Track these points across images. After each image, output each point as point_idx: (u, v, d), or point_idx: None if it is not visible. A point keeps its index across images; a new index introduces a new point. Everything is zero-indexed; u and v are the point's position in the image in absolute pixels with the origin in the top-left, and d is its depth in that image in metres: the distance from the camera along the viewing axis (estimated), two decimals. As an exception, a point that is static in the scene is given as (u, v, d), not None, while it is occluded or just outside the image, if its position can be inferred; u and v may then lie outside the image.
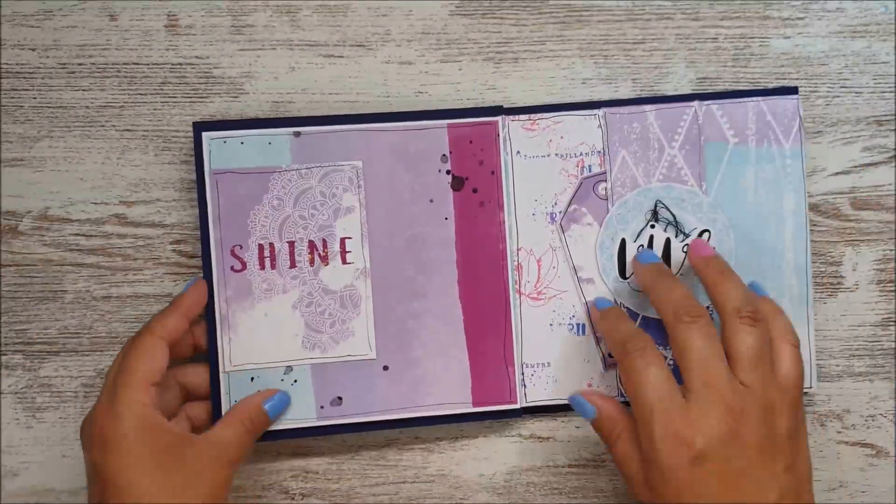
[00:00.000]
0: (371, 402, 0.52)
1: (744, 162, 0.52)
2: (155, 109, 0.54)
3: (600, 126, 0.53)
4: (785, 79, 0.54)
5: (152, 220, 0.54)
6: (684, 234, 0.52)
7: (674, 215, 0.52)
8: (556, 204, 0.53)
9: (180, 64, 0.54)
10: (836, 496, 0.55)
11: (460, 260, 0.53)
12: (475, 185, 0.53)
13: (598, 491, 0.55)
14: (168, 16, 0.54)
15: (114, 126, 0.54)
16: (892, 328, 0.55)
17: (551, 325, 0.53)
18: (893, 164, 0.54)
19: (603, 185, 0.53)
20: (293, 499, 0.55)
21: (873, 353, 0.55)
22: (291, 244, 0.52)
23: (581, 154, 0.53)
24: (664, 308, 0.46)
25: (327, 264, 0.52)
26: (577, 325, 0.53)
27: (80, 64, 0.54)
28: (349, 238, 0.52)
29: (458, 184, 0.53)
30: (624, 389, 0.51)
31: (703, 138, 0.52)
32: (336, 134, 0.52)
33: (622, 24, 0.54)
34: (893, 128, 0.54)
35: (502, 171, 0.53)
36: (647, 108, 0.52)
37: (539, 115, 0.53)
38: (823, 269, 0.55)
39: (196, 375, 0.52)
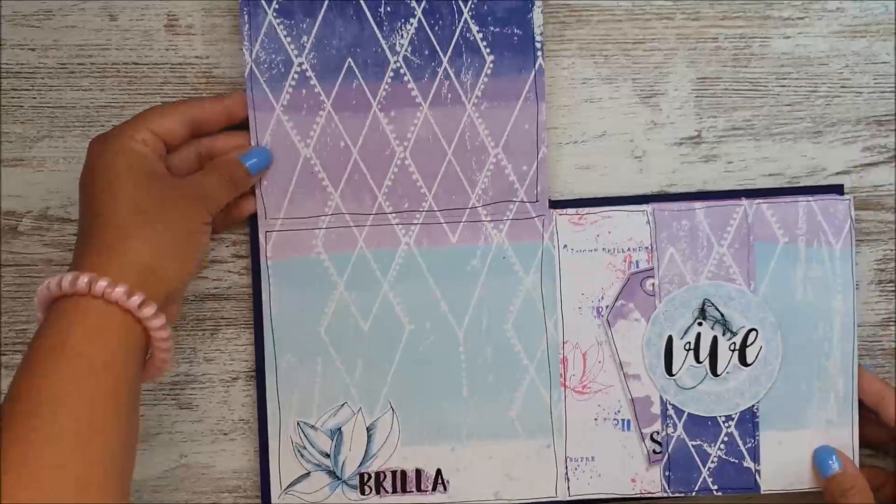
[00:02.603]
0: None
1: (793, 261, 0.53)
2: (155, 109, 0.54)
3: (648, 222, 0.53)
4: (785, 78, 0.54)
5: (152, 220, 0.54)
6: (732, 332, 0.53)
7: (722, 314, 0.52)
8: (602, 298, 0.53)
9: (180, 64, 0.54)
10: (837, 496, 0.55)
11: None
12: None
13: None
14: (168, 16, 0.54)
15: (114, 126, 0.54)
16: (893, 328, 0.55)
17: (596, 419, 0.53)
18: (893, 164, 0.54)
19: (651, 281, 0.53)
20: (293, 499, 0.55)
21: (873, 353, 0.55)
22: None
23: (629, 249, 0.53)
24: None
25: None
26: (623, 420, 0.53)
27: (80, 64, 0.54)
28: None
29: None
30: None
31: (752, 237, 0.52)
32: None
33: (622, 24, 0.54)
34: (893, 128, 0.54)
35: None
36: (697, 205, 0.53)
37: (587, 210, 0.53)
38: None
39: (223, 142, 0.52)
